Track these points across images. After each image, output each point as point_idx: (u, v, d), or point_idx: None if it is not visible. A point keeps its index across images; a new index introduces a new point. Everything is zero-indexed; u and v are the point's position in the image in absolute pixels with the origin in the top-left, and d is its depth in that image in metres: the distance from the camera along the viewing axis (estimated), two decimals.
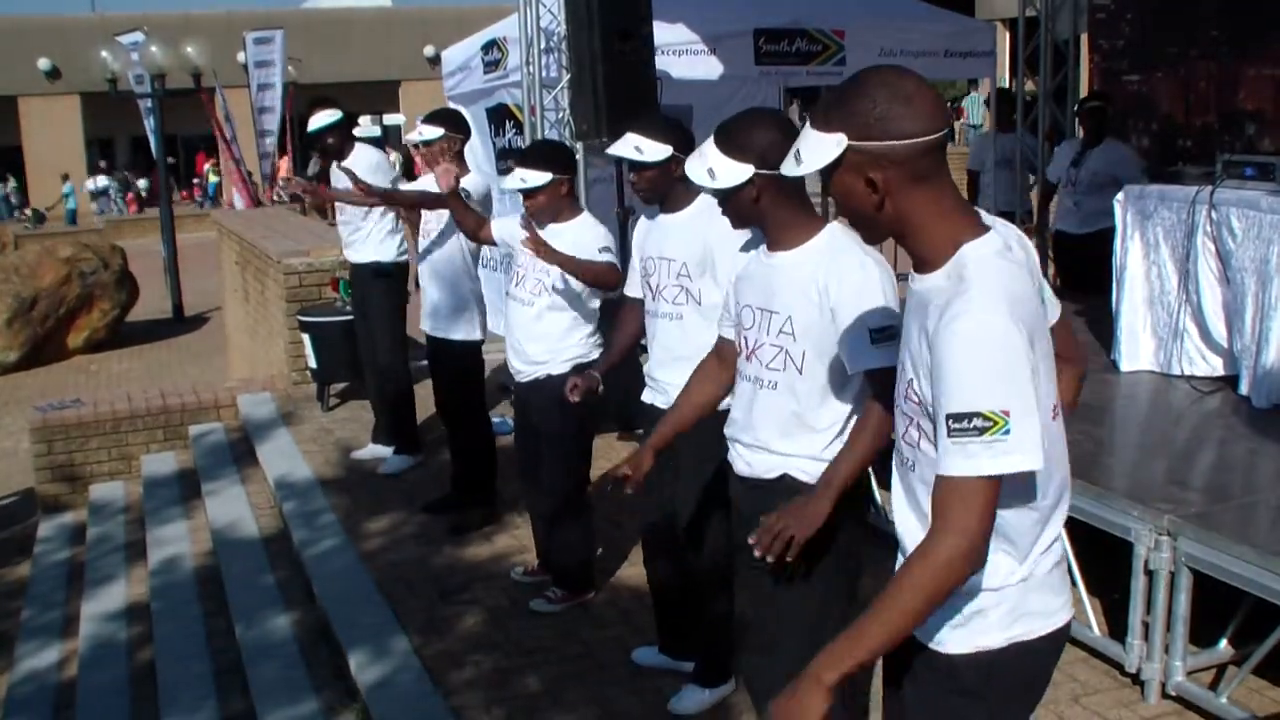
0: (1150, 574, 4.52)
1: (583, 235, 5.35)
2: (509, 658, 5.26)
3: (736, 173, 3.37)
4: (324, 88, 34.56)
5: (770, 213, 3.40)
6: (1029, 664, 2.53)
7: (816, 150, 2.38)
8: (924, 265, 2.43)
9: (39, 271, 18.02)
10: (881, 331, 3.15)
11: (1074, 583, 4.91)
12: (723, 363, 3.64)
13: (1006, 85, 14.95)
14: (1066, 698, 4.65)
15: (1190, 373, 6.42)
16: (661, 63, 9.01)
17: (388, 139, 32.35)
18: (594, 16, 8.05)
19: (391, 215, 7.77)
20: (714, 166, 3.40)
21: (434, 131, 6.64)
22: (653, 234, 4.61)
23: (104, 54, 20.53)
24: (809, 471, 3.37)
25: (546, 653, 5.28)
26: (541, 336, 5.48)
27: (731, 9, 10.33)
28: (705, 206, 4.30)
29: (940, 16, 11.18)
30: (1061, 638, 2.58)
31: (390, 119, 38.51)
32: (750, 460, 3.53)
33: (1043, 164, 10.57)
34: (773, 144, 3.26)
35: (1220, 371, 6.36)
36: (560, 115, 9.59)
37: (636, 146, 4.41)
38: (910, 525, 2.54)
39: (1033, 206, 10.98)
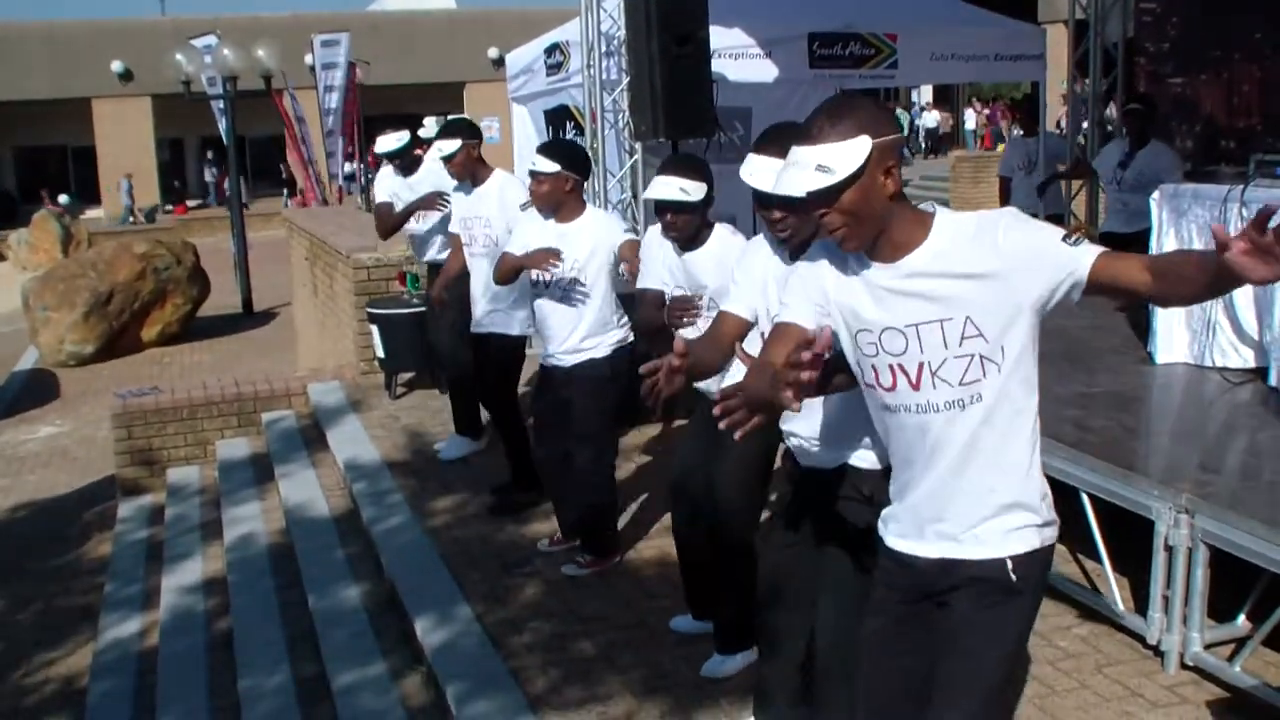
0: (1170, 550, 4.76)
1: (598, 228, 5.96)
2: (566, 625, 5.58)
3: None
4: (390, 89, 35.17)
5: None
6: (1047, 565, 3.07)
7: (846, 155, 2.75)
8: (902, 249, 2.86)
9: (115, 267, 18.53)
10: None
11: (1100, 560, 5.20)
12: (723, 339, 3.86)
13: (1066, 87, 15.23)
14: (1090, 668, 4.89)
15: (1222, 364, 6.64)
16: (718, 65, 9.31)
17: None
18: (652, 21, 8.35)
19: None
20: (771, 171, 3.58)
21: (452, 145, 7.21)
22: None
23: (178, 57, 20.96)
24: (867, 459, 3.68)
25: (601, 621, 5.60)
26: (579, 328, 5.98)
27: (786, 13, 10.59)
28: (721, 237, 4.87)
29: (991, 20, 11.41)
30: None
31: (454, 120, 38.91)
32: (811, 451, 3.82)
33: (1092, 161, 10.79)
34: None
35: (1251, 363, 6.57)
36: (620, 116, 9.89)
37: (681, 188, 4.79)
38: (989, 471, 2.96)
39: (1070, 209, 11.28)
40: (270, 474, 9.10)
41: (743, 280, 3.89)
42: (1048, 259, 2.76)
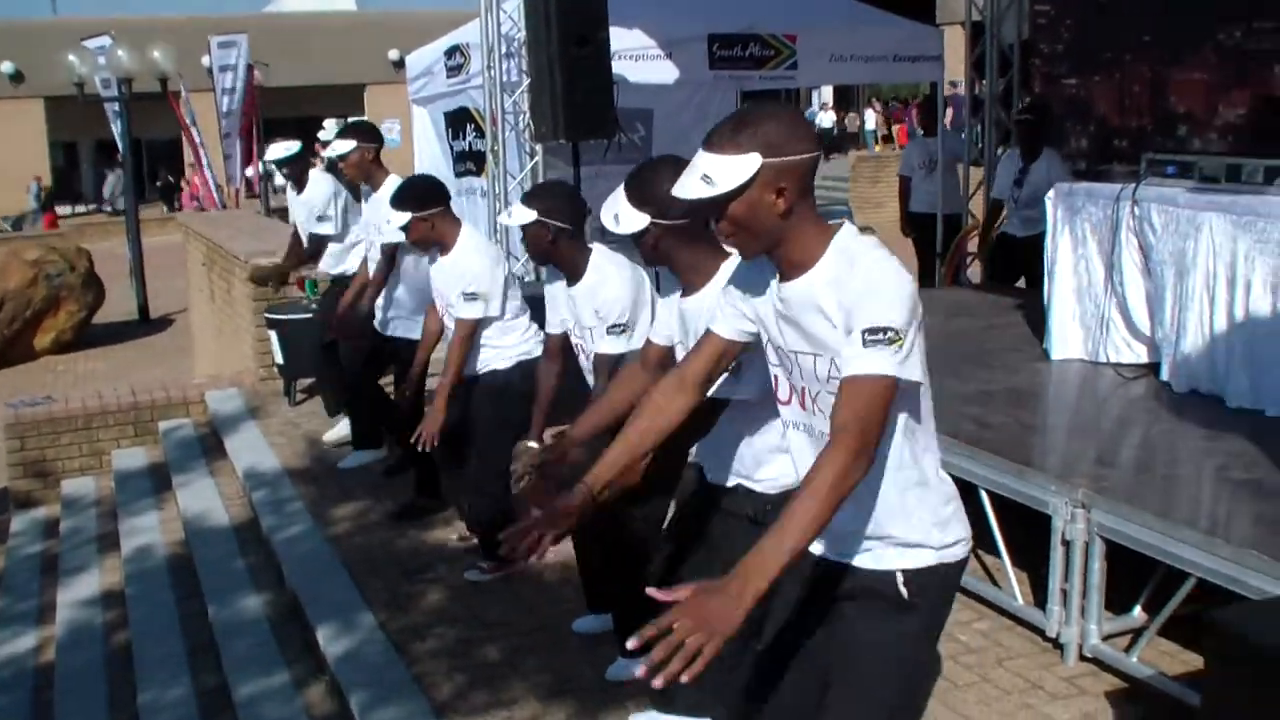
0: (1067, 544, 4.83)
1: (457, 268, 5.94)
2: (470, 630, 5.54)
3: (634, 221, 3.72)
4: (289, 91, 34.78)
5: (673, 257, 3.74)
6: (947, 584, 3.02)
7: (732, 171, 2.70)
8: (798, 268, 2.80)
9: (6, 274, 18.16)
10: None
11: (999, 555, 5.26)
12: (645, 366, 3.84)
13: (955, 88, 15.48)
14: (991, 661, 4.96)
15: (1116, 360, 6.76)
16: (618, 67, 9.30)
17: None
18: (552, 23, 8.33)
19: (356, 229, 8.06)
20: (619, 213, 3.74)
21: (347, 145, 7.22)
22: None
23: (71, 58, 20.58)
24: (760, 483, 3.69)
25: (506, 626, 5.57)
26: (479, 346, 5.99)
27: (686, 14, 10.61)
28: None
29: (889, 21, 11.51)
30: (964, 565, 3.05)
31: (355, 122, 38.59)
32: (710, 465, 3.83)
33: (988, 169, 10.93)
34: (668, 196, 3.32)
35: (1144, 359, 6.69)
36: (521, 118, 9.87)
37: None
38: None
39: (968, 208, 11.42)
40: (168, 484, 8.95)
41: (660, 309, 3.95)
42: (846, 337, 2.69)
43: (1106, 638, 4.85)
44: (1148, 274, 6.48)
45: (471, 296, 5.79)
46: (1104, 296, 6.73)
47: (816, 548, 3.04)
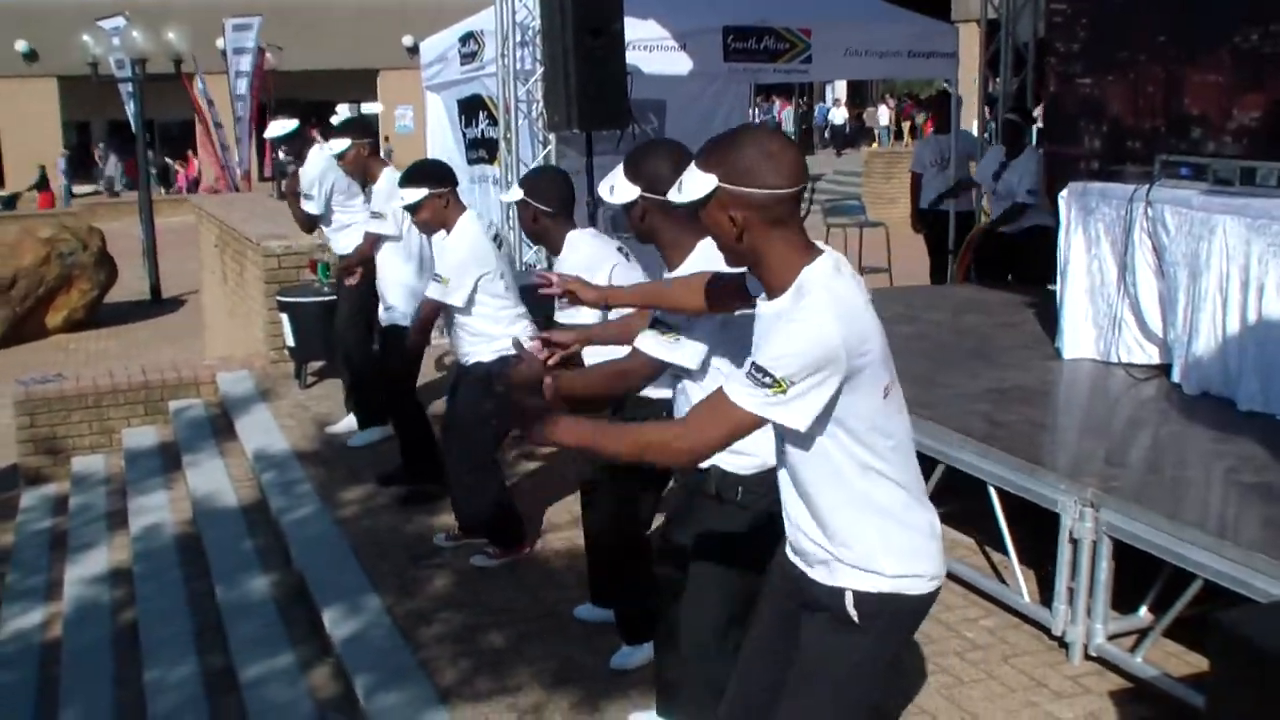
0: (1075, 543, 4.82)
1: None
2: (476, 616, 5.56)
3: (626, 192, 3.87)
4: (303, 75, 34.76)
5: (657, 231, 3.87)
6: (901, 611, 2.99)
7: (694, 185, 2.81)
8: (771, 292, 2.87)
9: (18, 251, 18.21)
10: None
11: (1006, 553, 5.27)
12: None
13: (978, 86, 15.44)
14: (997, 659, 4.96)
15: (1128, 360, 6.75)
16: (632, 58, 9.30)
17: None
18: (566, 12, 8.34)
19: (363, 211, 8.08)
20: (614, 184, 3.90)
21: (342, 144, 7.36)
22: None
23: (85, 38, 20.63)
24: (733, 462, 3.71)
25: (511, 613, 5.59)
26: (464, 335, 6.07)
27: (701, 6, 10.61)
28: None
29: (904, 17, 11.50)
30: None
31: (368, 107, 38.47)
32: None
33: None
34: (659, 174, 3.70)
35: (1156, 360, 6.69)
36: (534, 107, 9.87)
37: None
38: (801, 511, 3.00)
39: (980, 205, 11.56)
40: (177, 463, 8.97)
41: None
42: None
43: (1112, 637, 4.85)
44: (1160, 275, 6.48)
45: (437, 278, 5.93)
46: (1116, 297, 6.73)
47: (793, 556, 3.09)
